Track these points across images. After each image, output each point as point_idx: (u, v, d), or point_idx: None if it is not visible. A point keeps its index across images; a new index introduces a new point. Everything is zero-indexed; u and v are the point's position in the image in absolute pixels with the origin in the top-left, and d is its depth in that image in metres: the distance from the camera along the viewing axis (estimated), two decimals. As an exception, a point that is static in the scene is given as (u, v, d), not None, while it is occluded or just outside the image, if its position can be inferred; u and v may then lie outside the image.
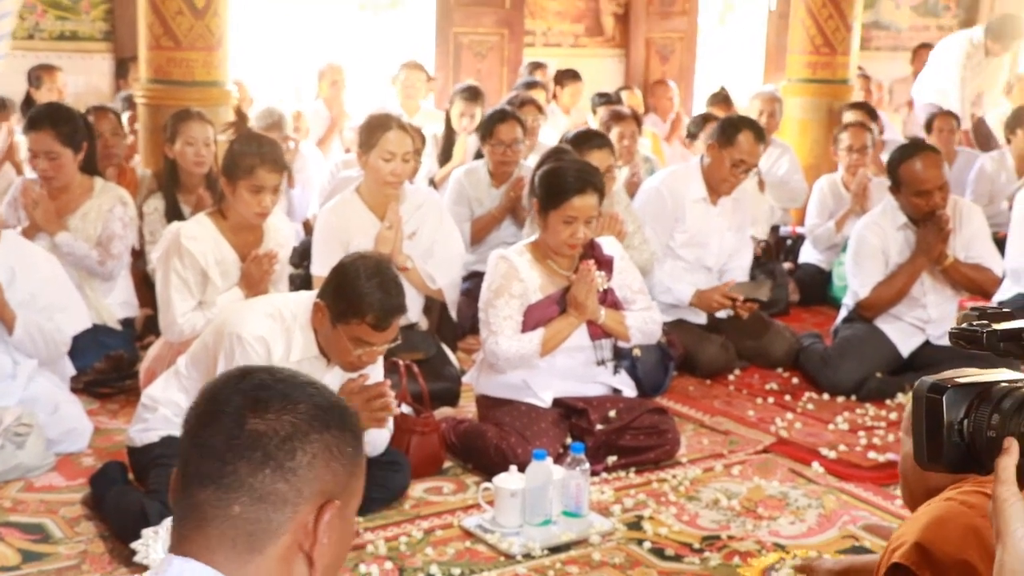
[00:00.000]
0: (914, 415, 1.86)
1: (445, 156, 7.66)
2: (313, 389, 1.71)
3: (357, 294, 3.75)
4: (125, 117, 7.11)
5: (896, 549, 2.15)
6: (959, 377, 1.85)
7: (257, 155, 4.65)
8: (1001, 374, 1.84)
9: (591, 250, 4.75)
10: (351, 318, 3.77)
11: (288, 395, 1.67)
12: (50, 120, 5.41)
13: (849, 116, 7.46)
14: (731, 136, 5.86)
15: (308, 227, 7.16)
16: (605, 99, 8.52)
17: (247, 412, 1.64)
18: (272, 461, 1.62)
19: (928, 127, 8.97)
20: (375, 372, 4.09)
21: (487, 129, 6.53)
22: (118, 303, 5.69)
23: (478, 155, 6.90)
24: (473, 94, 7.79)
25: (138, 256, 5.95)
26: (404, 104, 8.55)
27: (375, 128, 5.23)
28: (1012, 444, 1.71)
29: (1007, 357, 1.77)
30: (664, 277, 5.90)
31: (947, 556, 2.07)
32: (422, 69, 8.86)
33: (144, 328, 5.90)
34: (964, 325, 1.76)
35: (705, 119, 7.51)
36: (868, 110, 8.29)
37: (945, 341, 5.49)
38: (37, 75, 8.09)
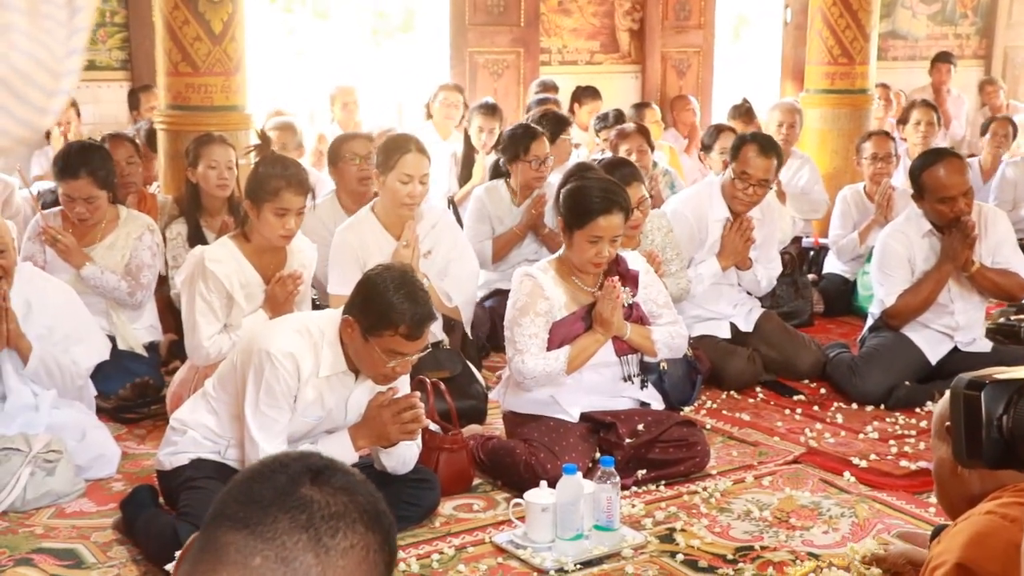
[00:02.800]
0: (952, 412, 1.85)
1: (465, 174, 7.65)
2: (378, 494, 1.61)
3: (387, 306, 3.74)
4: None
5: (937, 568, 2.12)
6: (997, 374, 1.84)
7: (283, 178, 4.65)
8: (1039, 370, 1.83)
9: (616, 265, 4.73)
10: (383, 330, 3.76)
11: (352, 482, 1.59)
12: (87, 167, 5.41)
13: (868, 145, 7.35)
14: (737, 149, 5.89)
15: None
16: (603, 123, 8.11)
17: (305, 478, 1.56)
18: (313, 529, 1.52)
19: (984, 131, 8.94)
20: (402, 387, 4.09)
21: (522, 146, 6.45)
22: (143, 328, 5.70)
23: (495, 173, 6.86)
24: (491, 109, 7.79)
25: (162, 281, 5.94)
26: (440, 125, 8.49)
27: (393, 150, 5.22)
28: (1055, 438, 1.70)
29: (1044, 352, 1.76)
30: (689, 274, 5.87)
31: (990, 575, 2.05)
32: (460, 91, 8.76)
33: (168, 354, 5.91)
34: (1001, 320, 1.76)
35: (718, 130, 7.40)
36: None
37: (974, 348, 5.46)
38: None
